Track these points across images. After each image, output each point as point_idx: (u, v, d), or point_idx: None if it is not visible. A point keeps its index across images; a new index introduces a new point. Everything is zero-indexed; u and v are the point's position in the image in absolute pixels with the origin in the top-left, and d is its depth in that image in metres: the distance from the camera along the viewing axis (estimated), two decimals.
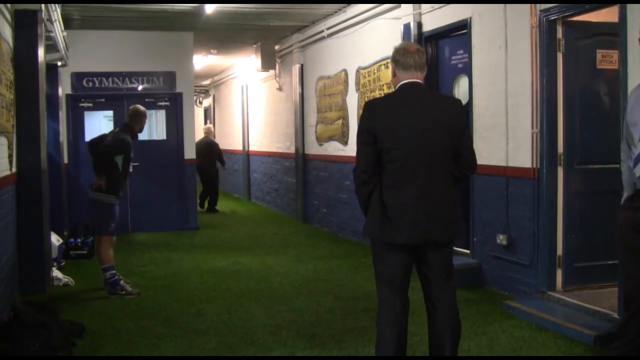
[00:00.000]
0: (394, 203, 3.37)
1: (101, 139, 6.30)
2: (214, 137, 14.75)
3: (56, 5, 6.84)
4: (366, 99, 8.42)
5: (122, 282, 6.10)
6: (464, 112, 3.60)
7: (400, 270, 3.45)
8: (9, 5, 5.74)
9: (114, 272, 6.06)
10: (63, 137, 9.64)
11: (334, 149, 9.53)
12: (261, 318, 5.25)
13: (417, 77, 3.48)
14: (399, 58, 3.48)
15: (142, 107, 6.36)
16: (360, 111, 8.43)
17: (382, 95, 7.98)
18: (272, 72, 12.10)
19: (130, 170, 6.38)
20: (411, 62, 3.46)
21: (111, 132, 6.46)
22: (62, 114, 9.63)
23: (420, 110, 3.43)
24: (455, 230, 3.51)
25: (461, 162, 3.50)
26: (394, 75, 3.55)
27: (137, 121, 6.28)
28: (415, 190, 3.35)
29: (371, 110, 3.47)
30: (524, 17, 5.46)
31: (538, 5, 5.30)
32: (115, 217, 6.17)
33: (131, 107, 6.41)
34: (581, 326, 4.58)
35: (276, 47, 11.68)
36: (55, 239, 7.13)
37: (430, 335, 3.51)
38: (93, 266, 7.19)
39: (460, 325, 3.52)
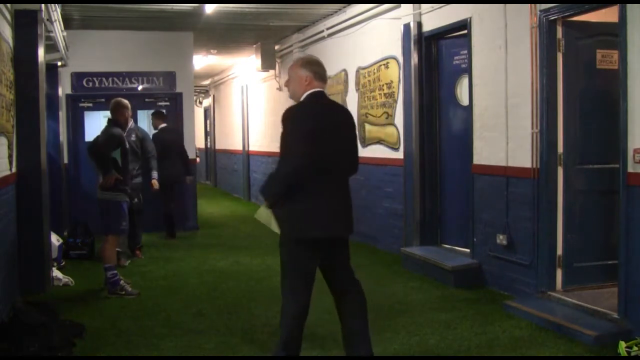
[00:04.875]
0: (320, 202, 3.63)
1: (96, 140, 6.35)
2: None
3: (56, 5, 6.83)
4: (366, 99, 8.43)
5: (122, 282, 6.10)
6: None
7: (316, 265, 3.75)
8: (9, 5, 5.74)
9: (115, 272, 6.06)
10: (63, 137, 9.63)
11: None
12: (261, 318, 5.25)
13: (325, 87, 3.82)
14: (317, 69, 3.76)
15: (123, 100, 6.43)
16: (362, 111, 8.51)
17: (380, 95, 8.00)
18: (272, 72, 12.09)
19: (130, 163, 6.37)
20: (325, 75, 3.82)
21: (102, 132, 6.46)
22: (62, 114, 9.63)
23: (336, 117, 3.79)
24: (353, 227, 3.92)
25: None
26: (308, 83, 3.72)
27: (120, 113, 6.32)
28: (334, 190, 3.70)
29: (310, 113, 3.66)
30: (524, 17, 5.46)
31: (538, 5, 5.29)
32: (126, 215, 6.18)
33: (112, 100, 6.46)
34: (581, 326, 4.58)
35: (276, 47, 11.68)
36: (55, 239, 7.12)
37: (345, 321, 3.94)
38: (93, 266, 7.20)
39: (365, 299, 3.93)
